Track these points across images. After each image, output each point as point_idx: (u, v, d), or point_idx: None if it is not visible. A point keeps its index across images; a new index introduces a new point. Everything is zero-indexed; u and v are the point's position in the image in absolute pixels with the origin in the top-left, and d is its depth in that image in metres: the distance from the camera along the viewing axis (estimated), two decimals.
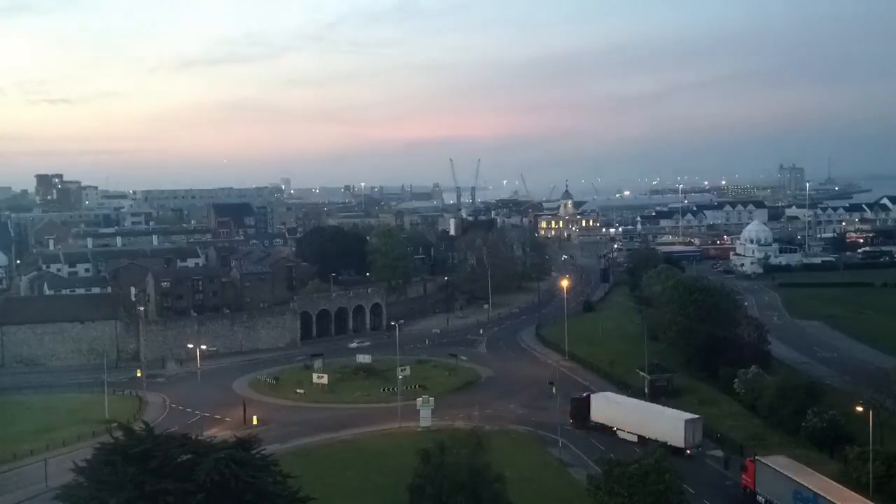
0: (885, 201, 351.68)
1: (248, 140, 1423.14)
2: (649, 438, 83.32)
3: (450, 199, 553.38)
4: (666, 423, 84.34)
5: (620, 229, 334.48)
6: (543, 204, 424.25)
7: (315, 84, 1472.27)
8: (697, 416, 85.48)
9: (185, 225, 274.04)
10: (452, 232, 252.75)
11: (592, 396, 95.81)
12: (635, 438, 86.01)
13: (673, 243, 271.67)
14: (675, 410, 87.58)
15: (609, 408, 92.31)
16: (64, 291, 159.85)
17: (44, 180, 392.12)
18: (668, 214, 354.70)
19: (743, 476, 72.82)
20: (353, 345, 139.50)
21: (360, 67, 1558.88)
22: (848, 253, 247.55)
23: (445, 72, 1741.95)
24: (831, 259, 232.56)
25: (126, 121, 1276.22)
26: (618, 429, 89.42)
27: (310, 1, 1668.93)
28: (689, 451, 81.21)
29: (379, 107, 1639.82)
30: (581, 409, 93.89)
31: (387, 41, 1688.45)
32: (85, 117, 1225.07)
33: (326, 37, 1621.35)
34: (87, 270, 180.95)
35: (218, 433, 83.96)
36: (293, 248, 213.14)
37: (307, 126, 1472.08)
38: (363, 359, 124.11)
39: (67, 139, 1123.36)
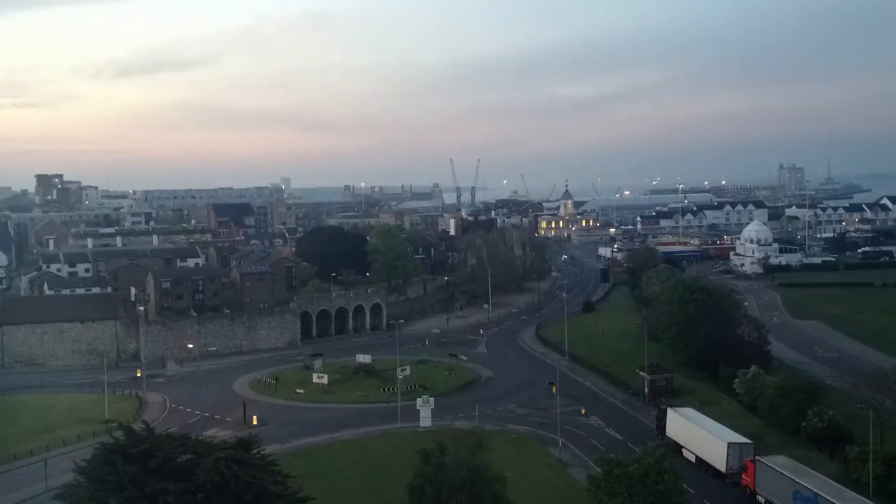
0: (885, 201, 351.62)
1: (216, 141, 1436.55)
2: (703, 461, 78.07)
3: (450, 200, 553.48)
4: (710, 443, 77.51)
5: (621, 229, 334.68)
6: (543, 204, 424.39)
7: (261, 88, 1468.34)
8: (747, 440, 76.49)
9: (185, 225, 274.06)
10: (452, 232, 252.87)
11: (669, 410, 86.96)
12: (693, 459, 79.65)
13: (672, 243, 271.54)
14: (723, 430, 79.14)
15: (677, 424, 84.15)
16: (64, 291, 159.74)
17: (44, 180, 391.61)
18: (669, 214, 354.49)
19: (743, 476, 72.84)
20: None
21: (299, 71, 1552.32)
22: (848, 253, 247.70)
23: (389, 76, 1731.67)
24: (831, 259, 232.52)
25: (99, 123, 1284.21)
26: (683, 447, 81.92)
27: (218, 9, 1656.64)
28: (728, 478, 74.26)
29: (337, 108, 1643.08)
30: (661, 420, 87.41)
31: (313, 46, 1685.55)
32: (59, 120, 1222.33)
33: (251, 43, 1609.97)
34: (87, 270, 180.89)
35: (218, 433, 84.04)
36: (293, 248, 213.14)
37: (266, 128, 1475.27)
38: (363, 359, 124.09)
39: (46, 141, 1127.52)
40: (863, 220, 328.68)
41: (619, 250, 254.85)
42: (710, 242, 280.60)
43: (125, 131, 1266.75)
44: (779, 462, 69.40)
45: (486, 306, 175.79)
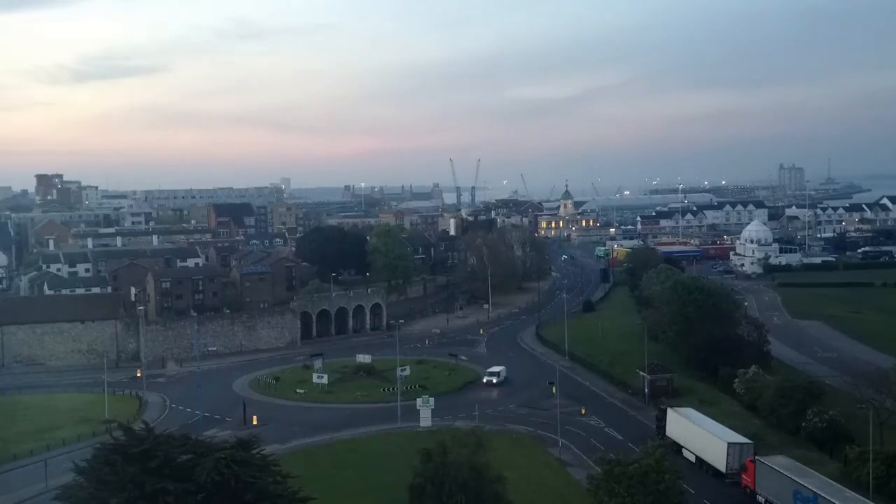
0: (885, 201, 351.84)
1: (206, 143, 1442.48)
2: (703, 461, 78.05)
3: (450, 199, 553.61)
4: (710, 443, 77.43)
5: (621, 229, 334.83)
6: (543, 204, 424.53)
7: (225, 92, 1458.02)
8: (747, 440, 76.46)
9: (185, 225, 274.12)
10: (452, 232, 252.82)
11: (669, 410, 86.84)
12: (693, 459, 79.52)
13: (672, 243, 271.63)
14: (723, 430, 79.14)
15: (677, 424, 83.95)
16: (64, 291, 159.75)
17: (44, 180, 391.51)
18: (669, 214, 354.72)
19: (743, 476, 72.85)
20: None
21: (256, 76, 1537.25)
22: (848, 253, 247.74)
23: (348, 80, 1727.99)
24: (831, 259, 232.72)
25: (78, 126, 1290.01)
26: (683, 447, 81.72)
27: (147, 19, 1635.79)
28: (728, 478, 74.27)
29: (304, 110, 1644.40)
30: (661, 421, 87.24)
31: (253, 52, 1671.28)
32: (36, 123, 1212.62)
33: (192, 50, 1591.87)
34: (87, 270, 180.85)
35: (218, 433, 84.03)
36: (293, 248, 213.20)
37: (232, 130, 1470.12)
38: (363, 359, 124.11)
39: (26, 143, 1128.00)
40: (863, 220, 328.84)
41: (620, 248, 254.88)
42: (710, 242, 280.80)
43: (107, 134, 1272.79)
44: (779, 462, 69.39)
45: (486, 306, 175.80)
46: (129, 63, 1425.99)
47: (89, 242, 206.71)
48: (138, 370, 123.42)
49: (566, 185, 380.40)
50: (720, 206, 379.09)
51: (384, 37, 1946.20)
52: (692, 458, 79.74)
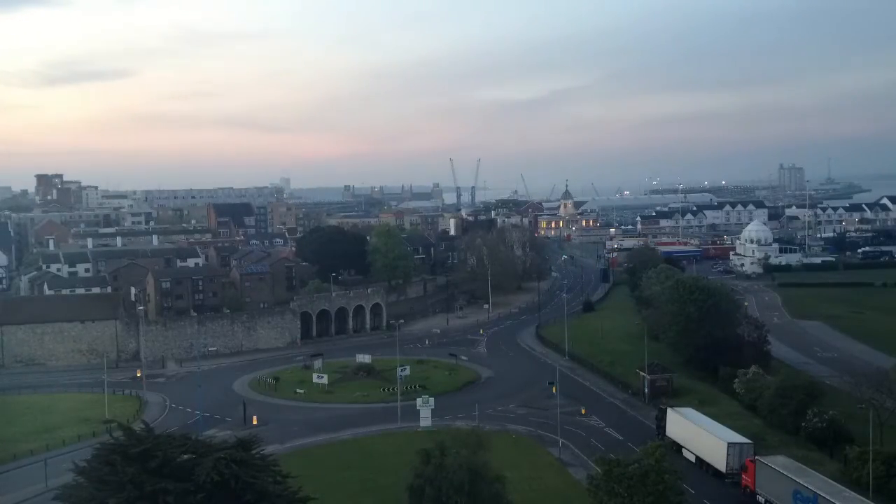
0: (885, 201, 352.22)
1: (185, 145, 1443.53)
2: (703, 461, 78.05)
3: (450, 199, 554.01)
4: (710, 443, 77.37)
5: (621, 229, 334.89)
6: (543, 204, 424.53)
7: (197, 95, 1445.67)
8: (747, 440, 76.59)
9: (185, 225, 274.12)
10: (452, 232, 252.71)
11: (669, 410, 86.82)
12: (693, 459, 79.59)
13: (672, 243, 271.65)
14: (723, 430, 79.11)
15: (677, 424, 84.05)
16: (64, 291, 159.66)
17: (44, 180, 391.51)
18: (669, 214, 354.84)
19: (743, 476, 72.85)
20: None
21: (220, 79, 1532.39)
22: (848, 253, 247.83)
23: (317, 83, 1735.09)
24: (831, 259, 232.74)
25: (61, 128, 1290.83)
26: (683, 447, 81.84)
27: (95, 28, 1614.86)
28: (728, 478, 74.30)
29: (301, 111, 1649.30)
30: (661, 420, 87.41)
31: (207, 56, 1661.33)
32: (17, 126, 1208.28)
33: (150, 56, 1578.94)
34: (87, 270, 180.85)
35: (218, 433, 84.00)
36: (293, 248, 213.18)
37: (217, 132, 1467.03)
38: (363, 359, 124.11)
39: (14, 144, 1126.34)
40: (863, 220, 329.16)
41: (619, 249, 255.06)
42: (710, 242, 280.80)
43: (98, 135, 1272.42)
44: (779, 462, 69.37)
45: (486, 306, 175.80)
46: (91, 69, 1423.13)
47: (89, 242, 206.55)
48: (138, 370, 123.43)
49: (566, 185, 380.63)
50: (720, 206, 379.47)
51: (361, 39, 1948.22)
52: (692, 458, 79.74)
